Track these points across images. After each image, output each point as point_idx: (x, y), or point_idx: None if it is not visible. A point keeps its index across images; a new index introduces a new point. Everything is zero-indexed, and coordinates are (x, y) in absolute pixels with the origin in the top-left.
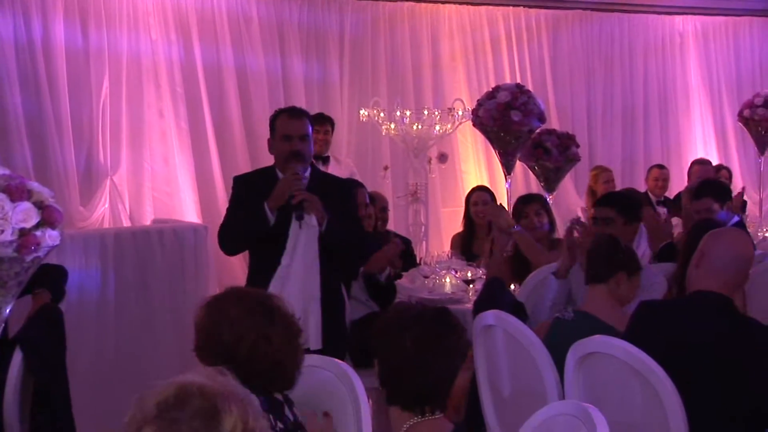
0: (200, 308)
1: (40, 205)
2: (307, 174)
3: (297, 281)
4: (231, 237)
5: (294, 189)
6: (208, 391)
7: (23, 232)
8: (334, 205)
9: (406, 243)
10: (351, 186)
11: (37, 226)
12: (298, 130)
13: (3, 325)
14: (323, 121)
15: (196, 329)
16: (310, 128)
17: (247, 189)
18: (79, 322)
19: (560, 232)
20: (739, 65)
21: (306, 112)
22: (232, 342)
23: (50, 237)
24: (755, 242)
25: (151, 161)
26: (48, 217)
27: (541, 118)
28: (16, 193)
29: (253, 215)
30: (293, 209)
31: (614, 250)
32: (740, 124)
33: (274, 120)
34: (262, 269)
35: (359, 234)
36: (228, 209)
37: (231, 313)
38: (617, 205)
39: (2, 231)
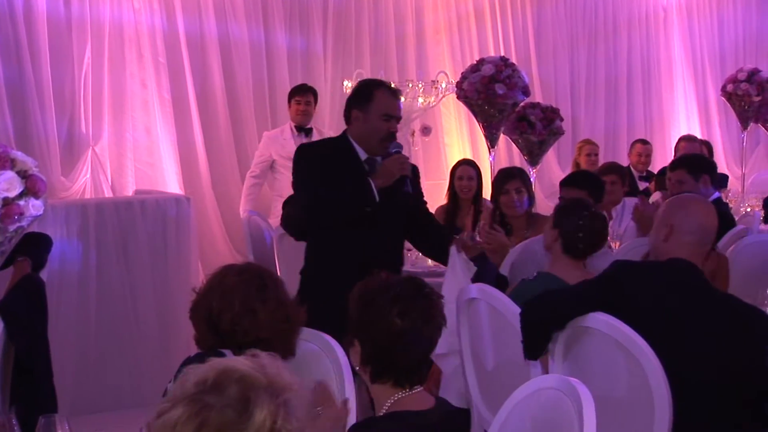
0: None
1: (24, 175)
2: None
3: None
4: (326, 215)
5: (405, 171)
6: (248, 380)
7: (6, 201)
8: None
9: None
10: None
11: (20, 196)
12: (398, 111)
13: None
14: (306, 92)
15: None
16: None
17: (323, 162)
18: (61, 292)
19: (541, 206)
20: (722, 40)
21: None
22: (218, 310)
23: (33, 206)
24: (737, 217)
25: (133, 132)
26: (31, 187)
27: (525, 92)
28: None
29: (357, 193)
30: (396, 189)
31: (603, 237)
32: (723, 98)
33: (368, 92)
34: (349, 249)
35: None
36: (304, 183)
37: (226, 282)
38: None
39: None
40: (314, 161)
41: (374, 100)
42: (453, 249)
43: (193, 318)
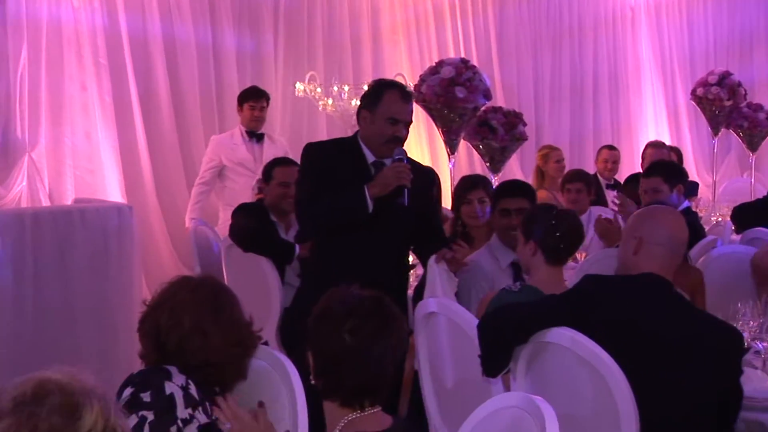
0: (163, 284)
1: None
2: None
3: None
4: (317, 220)
5: (403, 181)
6: (67, 387)
7: None
8: (422, 195)
9: None
10: (434, 175)
11: None
12: (407, 116)
13: None
14: (260, 96)
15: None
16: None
17: (326, 163)
18: None
19: None
20: (692, 41)
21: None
22: (167, 327)
23: None
24: (707, 227)
25: (72, 137)
26: None
27: (487, 95)
28: None
29: (350, 200)
30: (394, 198)
31: (581, 234)
32: (693, 103)
33: (378, 92)
34: (343, 262)
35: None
36: (305, 184)
37: (178, 297)
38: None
39: None
40: (316, 163)
41: (382, 102)
42: (432, 261)
43: (141, 332)
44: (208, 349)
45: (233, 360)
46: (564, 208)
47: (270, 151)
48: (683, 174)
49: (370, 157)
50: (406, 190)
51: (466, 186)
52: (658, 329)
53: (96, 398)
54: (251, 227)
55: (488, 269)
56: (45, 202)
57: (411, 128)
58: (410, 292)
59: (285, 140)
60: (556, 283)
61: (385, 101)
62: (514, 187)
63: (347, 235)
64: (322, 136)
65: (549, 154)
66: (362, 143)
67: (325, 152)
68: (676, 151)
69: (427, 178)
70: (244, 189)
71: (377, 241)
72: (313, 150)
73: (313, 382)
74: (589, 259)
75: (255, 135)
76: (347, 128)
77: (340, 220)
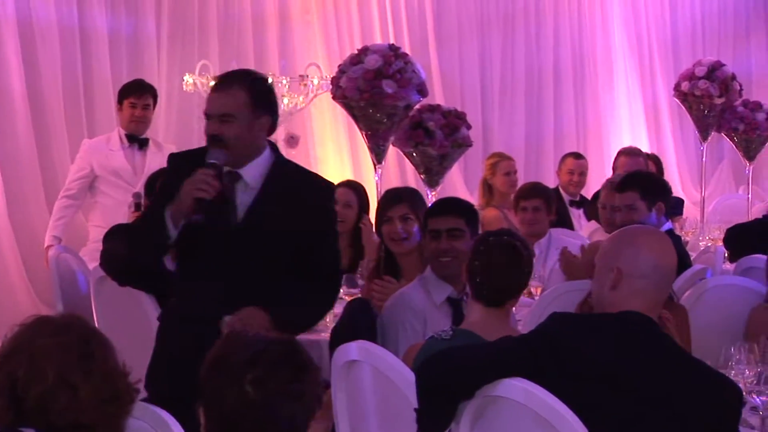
0: (16, 326)
1: None
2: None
3: None
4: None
5: (200, 194)
6: None
7: None
8: (301, 217)
9: None
10: (327, 192)
11: None
12: (214, 108)
13: None
14: (143, 92)
15: None
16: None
17: (173, 180)
18: None
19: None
20: (675, 25)
21: (241, 77)
22: (25, 380)
23: None
24: (694, 255)
25: None
26: None
27: (422, 91)
28: None
29: (148, 221)
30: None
31: (522, 270)
32: (677, 100)
33: None
34: (183, 293)
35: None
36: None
37: (38, 343)
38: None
39: None
40: (166, 180)
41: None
42: None
43: None
44: (78, 407)
45: (107, 420)
46: (507, 239)
47: (155, 160)
48: (664, 189)
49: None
50: (204, 203)
51: (386, 202)
52: (639, 382)
53: None
54: (127, 254)
55: (419, 306)
56: None
57: (326, 130)
58: (326, 335)
59: (174, 147)
60: (496, 326)
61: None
62: (443, 204)
63: (179, 267)
64: None
65: (498, 163)
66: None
67: (175, 164)
68: (655, 160)
69: (312, 192)
70: (119, 205)
71: (210, 274)
72: (169, 161)
73: None
74: (547, 294)
75: (137, 140)
76: None
77: (141, 247)
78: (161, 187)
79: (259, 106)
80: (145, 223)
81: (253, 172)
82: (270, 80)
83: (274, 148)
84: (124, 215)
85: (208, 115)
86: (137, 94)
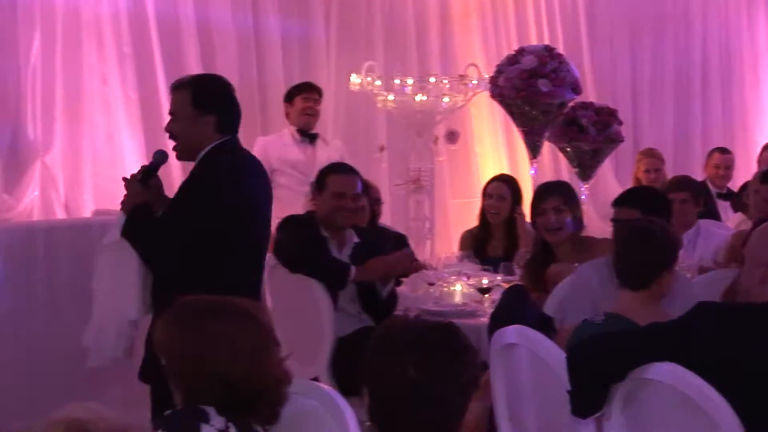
0: (167, 329)
1: None
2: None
3: None
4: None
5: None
6: (97, 429)
7: None
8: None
9: (402, 241)
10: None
11: None
12: (170, 107)
13: None
14: (312, 88)
15: (161, 351)
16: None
17: None
18: (4, 331)
19: (595, 230)
20: None
21: (189, 79)
22: (228, 361)
23: None
24: None
25: (92, 139)
26: None
27: (575, 89)
28: None
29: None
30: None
31: (657, 249)
32: None
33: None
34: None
35: None
36: None
37: (224, 329)
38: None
39: None
40: None
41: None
42: None
43: (178, 383)
44: (270, 367)
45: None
46: (648, 225)
47: (324, 154)
48: None
49: None
50: None
51: (540, 194)
52: None
53: None
54: (300, 244)
55: (595, 285)
56: (60, 214)
57: (485, 127)
58: (485, 320)
59: (340, 143)
60: (645, 310)
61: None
62: (624, 197)
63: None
64: (382, 136)
65: (640, 160)
66: None
67: None
68: None
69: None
70: (296, 196)
71: None
72: None
73: (368, 423)
74: (700, 280)
75: (307, 135)
76: (411, 127)
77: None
78: None
79: (201, 105)
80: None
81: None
82: (220, 81)
83: (224, 144)
84: (301, 205)
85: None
86: (307, 91)
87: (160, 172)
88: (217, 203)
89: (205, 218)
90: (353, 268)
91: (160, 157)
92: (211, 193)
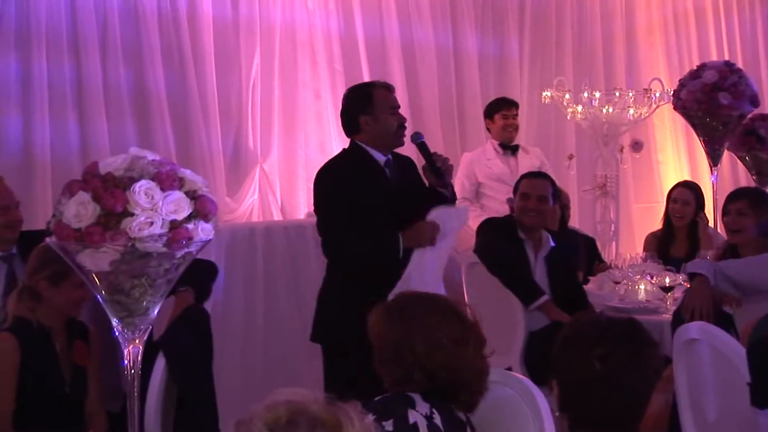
0: (379, 317)
1: (193, 195)
2: None
3: None
4: (348, 265)
5: (431, 242)
6: (321, 413)
7: (174, 225)
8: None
9: (591, 242)
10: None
11: (188, 218)
12: (398, 102)
13: (150, 327)
14: (511, 104)
15: (377, 341)
16: None
17: (346, 186)
18: (225, 324)
19: None
20: None
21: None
22: (426, 350)
23: (203, 230)
24: None
25: (306, 147)
26: (201, 209)
27: (754, 102)
28: (167, 181)
29: (381, 244)
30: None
31: None
32: None
33: (366, 95)
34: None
35: None
36: (326, 221)
37: (429, 320)
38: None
39: (152, 223)
40: (338, 192)
41: (375, 100)
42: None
43: (388, 372)
44: (470, 358)
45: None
46: None
47: (525, 163)
48: None
49: (381, 158)
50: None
51: (731, 196)
52: None
53: (356, 414)
54: (503, 254)
55: None
56: (277, 216)
57: (667, 137)
58: (667, 316)
59: (539, 149)
60: None
61: (377, 98)
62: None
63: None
64: (571, 146)
65: None
66: (368, 148)
67: (341, 174)
68: None
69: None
70: (503, 206)
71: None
72: (329, 176)
73: (557, 413)
74: None
75: (509, 147)
76: (598, 137)
77: (370, 266)
78: (340, 199)
79: None
80: (373, 244)
81: None
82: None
83: None
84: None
85: (396, 108)
86: (507, 107)
87: None
88: None
89: None
90: (543, 298)
91: (420, 137)
92: None
